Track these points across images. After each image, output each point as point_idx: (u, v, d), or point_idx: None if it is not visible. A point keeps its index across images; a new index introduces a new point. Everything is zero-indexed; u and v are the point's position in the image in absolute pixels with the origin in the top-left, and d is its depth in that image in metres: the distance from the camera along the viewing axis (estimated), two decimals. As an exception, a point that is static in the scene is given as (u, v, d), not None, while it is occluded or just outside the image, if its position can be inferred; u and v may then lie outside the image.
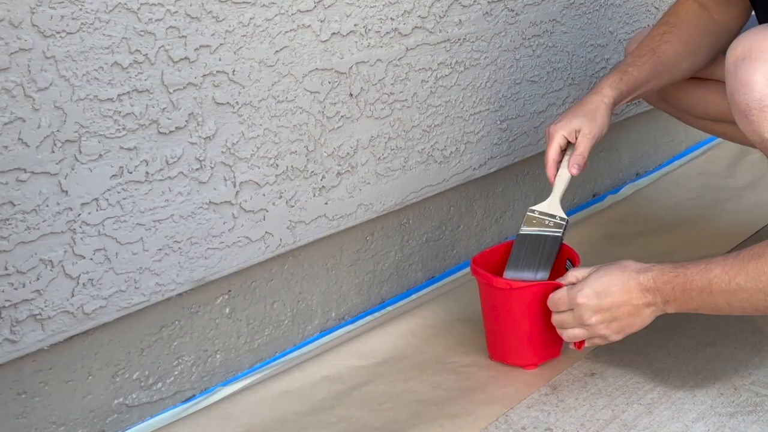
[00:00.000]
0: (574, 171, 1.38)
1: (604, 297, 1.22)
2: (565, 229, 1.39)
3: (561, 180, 1.39)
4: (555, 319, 1.28)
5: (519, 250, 1.38)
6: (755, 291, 1.12)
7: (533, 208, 1.41)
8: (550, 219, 1.39)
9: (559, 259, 1.41)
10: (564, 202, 1.42)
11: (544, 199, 1.41)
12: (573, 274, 1.28)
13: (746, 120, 1.14)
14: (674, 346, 1.41)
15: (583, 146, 1.37)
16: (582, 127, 1.37)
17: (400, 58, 1.50)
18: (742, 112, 1.14)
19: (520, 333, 1.34)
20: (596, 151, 2.07)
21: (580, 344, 1.29)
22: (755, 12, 1.41)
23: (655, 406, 1.26)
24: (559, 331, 1.29)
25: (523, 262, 1.37)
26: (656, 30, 1.48)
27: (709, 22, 1.46)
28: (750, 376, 1.32)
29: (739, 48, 1.15)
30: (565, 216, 1.39)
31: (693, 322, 1.44)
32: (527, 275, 1.36)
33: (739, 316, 1.40)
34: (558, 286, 1.28)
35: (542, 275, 1.35)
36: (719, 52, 1.48)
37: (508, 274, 1.37)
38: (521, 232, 1.39)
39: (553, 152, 1.38)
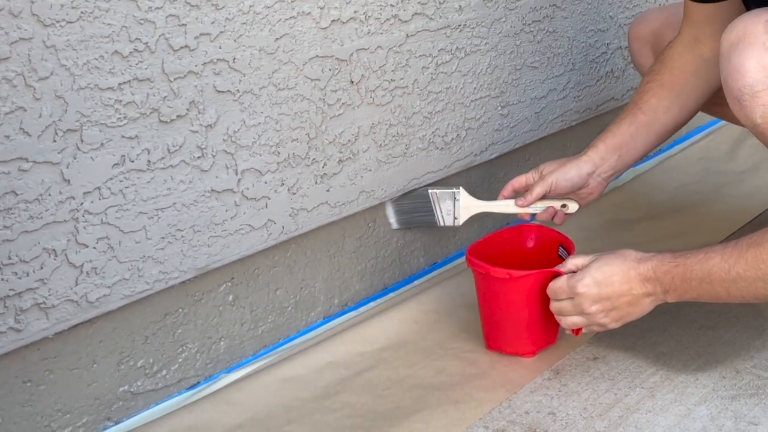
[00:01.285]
0: (518, 202, 1.45)
1: (604, 287, 1.22)
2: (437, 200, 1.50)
3: (503, 204, 1.46)
4: (554, 306, 1.28)
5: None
6: (754, 279, 1.12)
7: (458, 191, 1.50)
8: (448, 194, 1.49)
9: (552, 245, 1.41)
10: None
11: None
12: (573, 262, 1.28)
13: (739, 105, 1.14)
14: (676, 330, 1.41)
15: (536, 191, 1.43)
16: (545, 173, 1.43)
17: (401, 45, 1.50)
18: (735, 98, 1.14)
19: (519, 321, 1.34)
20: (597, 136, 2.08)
21: (577, 330, 1.29)
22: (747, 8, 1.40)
23: (658, 389, 1.27)
24: (557, 318, 1.29)
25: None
26: (641, 83, 1.47)
27: (697, 59, 1.42)
28: (752, 360, 1.32)
29: (733, 33, 1.15)
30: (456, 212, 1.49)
31: (695, 306, 1.44)
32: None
33: (740, 301, 1.40)
34: (557, 274, 1.29)
35: None
36: (712, 90, 1.45)
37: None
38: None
39: (517, 179, 1.46)
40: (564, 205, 1.45)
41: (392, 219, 1.56)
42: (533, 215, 1.47)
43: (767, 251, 1.11)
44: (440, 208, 1.50)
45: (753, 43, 1.12)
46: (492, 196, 1.80)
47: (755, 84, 1.11)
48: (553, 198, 1.45)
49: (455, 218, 1.50)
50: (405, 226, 1.56)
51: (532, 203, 1.44)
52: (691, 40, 1.43)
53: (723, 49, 1.16)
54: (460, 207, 1.48)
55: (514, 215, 1.49)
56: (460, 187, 1.49)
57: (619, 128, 1.45)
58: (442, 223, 1.51)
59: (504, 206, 1.47)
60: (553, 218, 1.46)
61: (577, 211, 1.46)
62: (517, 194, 1.47)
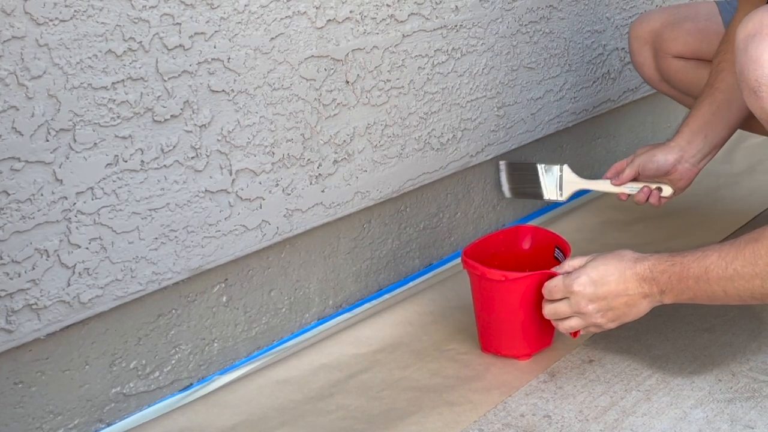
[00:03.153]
0: (613, 181, 1.51)
1: (600, 286, 1.22)
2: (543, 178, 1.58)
3: (601, 183, 1.52)
4: (549, 310, 1.27)
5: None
6: (752, 276, 1.12)
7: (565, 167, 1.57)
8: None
9: (548, 247, 1.41)
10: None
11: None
12: (569, 263, 1.28)
13: (755, 96, 1.13)
14: (672, 333, 1.41)
15: (626, 172, 1.48)
16: (637, 155, 1.49)
17: (397, 45, 1.50)
18: (752, 89, 1.13)
19: (514, 323, 1.34)
20: (593, 137, 2.08)
21: (575, 332, 1.29)
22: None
23: (654, 392, 1.26)
24: (554, 322, 1.29)
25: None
26: (713, 63, 1.48)
27: None
28: (748, 362, 1.32)
29: (750, 24, 1.14)
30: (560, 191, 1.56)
31: (691, 309, 1.43)
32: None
33: (737, 303, 1.40)
34: (553, 276, 1.28)
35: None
36: None
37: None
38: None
39: (620, 162, 1.52)
40: (659, 188, 1.48)
41: (504, 187, 1.63)
42: (629, 195, 1.51)
43: (765, 247, 1.10)
44: (546, 182, 1.56)
45: None
46: (487, 196, 1.80)
47: None
48: (648, 181, 1.48)
49: (559, 193, 1.57)
50: (515, 194, 1.63)
51: (624, 182, 1.49)
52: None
53: (739, 40, 1.15)
54: (564, 182, 1.55)
55: (616, 194, 1.53)
56: (565, 164, 1.56)
57: (700, 110, 1.46)
58: (547, 196, 1.58)
59: (602, 185, 1.52)
60: (648, 199, 1.49)
61: (672, 196, 1.49)
62: (618, 174, 1.51)
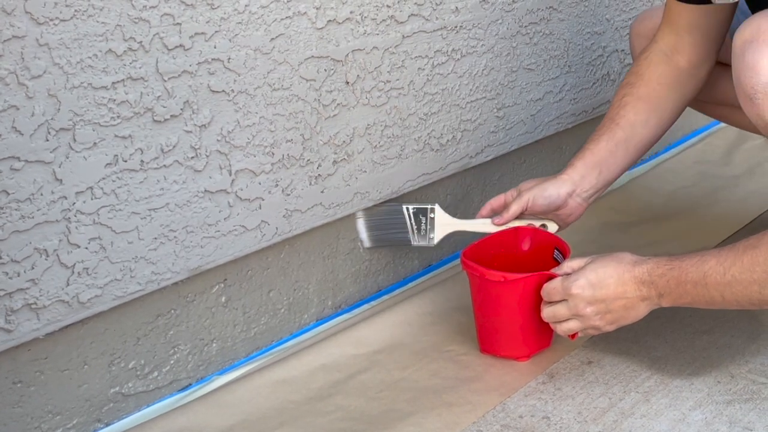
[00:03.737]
0: (495, 221, 1.43)
1: (599, 289, 1.22)
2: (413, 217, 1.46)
3: (480, 223, 1.43)
4: (547, 312, 1.27)
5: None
6: (750, 282, 1.12)
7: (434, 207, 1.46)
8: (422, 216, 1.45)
9: (547, 248, 1.41)
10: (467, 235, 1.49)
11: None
12: (568, 265, 1.28)
13: (751, 103, 1.13)
14: (671, 334, 1.41)
15: (512, 209, 1.41)
16: (523, 190, 1.41)
17: (397, 46, 1.50)
18: (748, 96, 1.13)
19: (513, 325, 1.34)
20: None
21: (573, 334, 1.29)
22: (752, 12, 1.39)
23: (652, 394, 1.26)
24: (552, 325, 1.29)
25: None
26: (616, 96, 1.45)
27: (673, 71, 1.41)
28: (747, 364, 1.32)
29: (747, 30, 1.14)
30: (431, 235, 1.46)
31: (690, 311, 1.43)
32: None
33: (735, 305, 1.40)
34: (552, 277, 1.28)
35: None
36: (687, 102, 1.45)
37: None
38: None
39: (496, 199, 1.44)
40: (543, 225, 1.42)
41: (363, 236, 1.50)
42: None
43: (763, 254, 1.10)
44: (415, 226, 1.45)
45: (767, 40, 1.11)
46: (487, 198, 1.80)
47: None
48: (532, 218, 1.42)
49: (430, 237, 1.46)
50: (377, 244, 1.51)
51: (508, 221, 1.41)
52: (668, 49, 1.41)
53: (736, 46, 1.15)
54: (435, 225, 1.44)
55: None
56: (436, 204, 1.45)
57: (597, 145, 1.42)
58: (416, 243, 1.47)
59: (481, 225, 1.44)
60: None
61: (557, 231, 1.43)
62: (494, 213, 1.44)
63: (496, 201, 1.45)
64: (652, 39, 1.45)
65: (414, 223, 1.44)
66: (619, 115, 1.42)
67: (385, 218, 1.48)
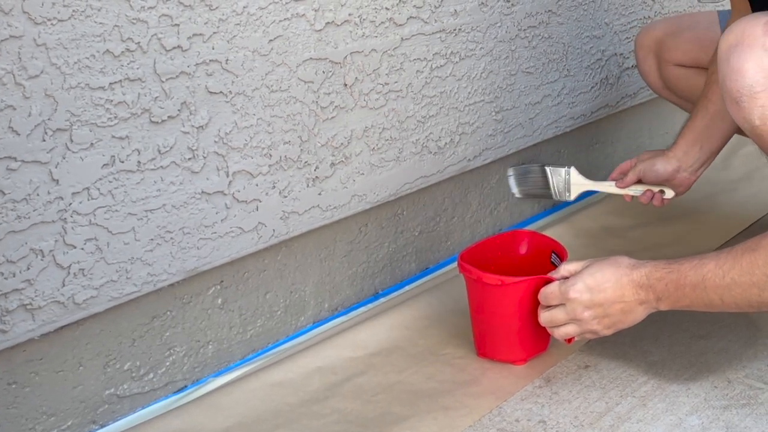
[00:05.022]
0: (618, 184, 1.55)
1: (596, 293, 1.21)
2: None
3: (606, 185, 1.57)
4: (544, 317, 1.27)
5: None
6: (749, 285, 1.11)
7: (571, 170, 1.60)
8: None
9: (545, 251, 1.41)
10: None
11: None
12: (566, 268, 1.27)
13: (737, 107, 1.14)
14: (668, 339, 1.41)
15: (629, 176, 1.53)
16: (640, 160, 1.53)
17: (395, 48, 1.49)
18: (733, 99, 1.14)
19: (510, 328, 1.33)
20: (591, 143, 2.08)
21: (570, 338, 1.29)
22: (752, 8, 1.40)
23: (649, 398, 1.26)
24: (549, 329, 1.28)
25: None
26: (708, 72, 1.51)
27: None
28: (744, 369, 1.31)
29: (731, 34, 1.14)
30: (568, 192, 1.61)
31: (687, 315, 1.43)
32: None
33: (733, 310, 1.40)
34: (549, 281, 1.28)
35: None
36: None
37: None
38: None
39: (625, 163, 1.57)
40: (662, 191, 1.53)
41: (514, 189, 1.65)
42: (634, 196, 1.56)
43: (762, 257, 1.10)
44: (555, 183, 1.61)
45: (752, 44, 1.11)
46: (484, 201, 1.80)
47: (754, 85, 1.11)
48: (652, 184, 1.53)
49: (567, 194, 1.61)
50: (525, 196, 1.67)
51: (628, 185, 1.54)
52: None
53: (721, 50, 1.15)
54: (570, 183, 1.59)
55: (620, 195, 1.59)
56: (572, 167, 1.60)
57: (694, 122, 1.51)
58: (556, 197, 1.62)
59: (608, 186, 1.57)
60: (652, 200, 1.54)
61: (674, 197, 1.54)
62: (621, 175, 1.56)
63: (624, 165, 1.57)
64: (730, 21, 1.49)
65: (555, 182, 1.60)
66: (710, 90, 1.49)
67: (531, 176, 1.64)
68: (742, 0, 1.43)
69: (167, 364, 1.31)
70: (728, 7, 1.68)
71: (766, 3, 1.27)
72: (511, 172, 1.66)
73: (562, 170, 1.60)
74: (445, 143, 1.64)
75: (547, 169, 1.61)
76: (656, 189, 1.53)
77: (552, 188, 1.61)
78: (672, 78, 1.69)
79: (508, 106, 1.75)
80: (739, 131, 1.58)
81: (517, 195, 1.67)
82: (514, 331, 1.34)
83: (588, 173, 1.62)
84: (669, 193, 1.54)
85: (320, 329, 1.50)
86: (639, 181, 1.54)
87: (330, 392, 1.31)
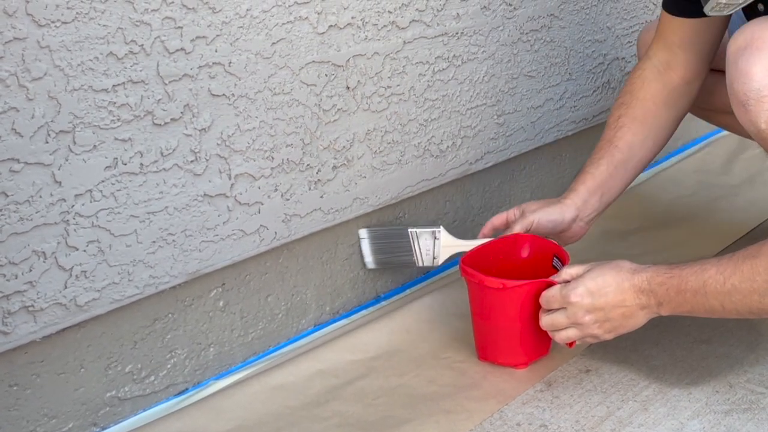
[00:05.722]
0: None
1: (598, 297, 1.21)
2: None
3: (482, 244, 1.41)
4: (546, 321, 1.27)
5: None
6: (750, 291, 1.11)
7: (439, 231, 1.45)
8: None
9: (546, 255, 1.40)
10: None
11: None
12: (567, 272, 1.27)
13: (744, 110, 1.14)
14: (670, 343, 1.41)
15: (516, 229, 1.40)
16: (528, 211, 1.41)
17: (398, 52, 1.50)
18: (740, 102, 1.14)
19: (512, 332, 1.33)
20: (592, 147, 2.08)
21: (571, 342, 1.29)
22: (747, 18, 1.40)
23: (651, 403, 1.26)
24: (550, 333, 1.28)
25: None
26: (612, 117, 1.46)
27: (667, 88, 1.42)
28: (745, 374, 1.31)
29: (740, 38, 1.14)
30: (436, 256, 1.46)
31: (689, 319, 1.43)
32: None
33: (735, 314, 1.40)
34: (551, 284, 1.28)
35: None
36: (682, 117, 1.47)
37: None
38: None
39: (497, 217, 1.44)
40: None
41: (368, 258, 1.51)
42: None
43: (763, 263, 1.10)
44: (420, 248, 1.46)
45: (761, 48, 1.11)
46: (486, 204, 1.80)
47: (762, 88, 1.11)
48: (542, 235, 1.41)
49: (434, 258, 1.47)
50: (381, 266, 1.52)
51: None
52: (661, 66, 1.42)
53: (730, 53, 1.15)
54: (440, 246, 1.45)
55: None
56: (441, 226, 1.47)
57: (598, 169, 1.43)
58: (420, 264, 1.48)
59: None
60: None
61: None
62: (496, 233, 1.44)
63: (497, 219, 1.44)
64: (645, 54, 1.45)
65: (419, 247, 1.45)
66: (616, 137, 1.43)
67: (391, 241, 1.48)
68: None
69: (168, 366, 1.31)
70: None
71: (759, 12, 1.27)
72: (364, 233, 1.47)
73: (429, 231, 1.44)
74: (447, 146, 1.64)
75: (411, 231, 1.44)
76: None
77: (416, 254, 1.45)
78: None
79: (510, 110, 1.75)
80: (723, 121, 1.56)
81: (371, 265, 1.48)
82: (515, 334, 1.34)
83: (455, 236, 1.49)
84: None
85: (321, 332, 1.50)
86: None
87: (331, 395, 1.31)
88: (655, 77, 1.43)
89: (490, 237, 1.43)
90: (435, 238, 1.43)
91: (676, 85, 1.42)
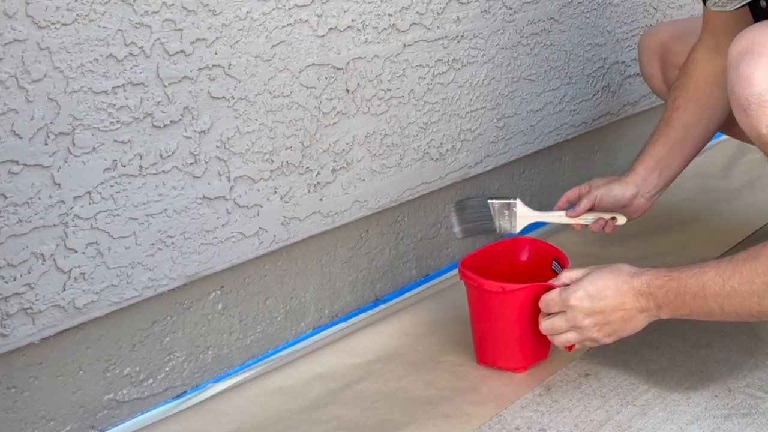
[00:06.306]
0: (569, 213, 1.49)
1: (597, 300, 1.21)
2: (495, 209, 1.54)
3: (555, 215, 1.51)
4: (545, 324, 1.26)
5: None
6: (749, 294, 1.11)
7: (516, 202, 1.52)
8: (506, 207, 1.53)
9: (546, 259, 1.40)
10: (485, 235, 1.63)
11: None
12: (566, 275, 1.27)
13: (745, 114, 1.14)
14: (669, 348, 1.40)
15: (583, 204, 1.48)
16: (593, 187, 1.49)
17: (398, 55, 1.49)
18: (741, 106, 1.14)
19: (511, 336, 1.33)
20: (592, 150, 2.08)
21: (570, 346, 1.28)
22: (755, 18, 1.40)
23: (650, 407, 1.26)
24: (550, 336, 1.28)
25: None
26: (669, 98, 1.51)
27: (719, 69, 1.42)
28: (745, 379, 1.31)
29: (742, 42, 1.14)
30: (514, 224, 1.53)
31: (688, 324, 1.43)
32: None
33: (734, 319, 1.40)
34: (550, 288, 1.27)
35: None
36: None
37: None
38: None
39: (572, 191, 1.52)
40: (613, 218, 1.50)
41: (456, 228, 1.59)
42: (585, 225, 1.51)
43: (763, 265, 1.10)
44: (498, 218, 1.55)
45: (762, 52, 1.11)
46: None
47: (763, 93, 1.11)
48: (603, 211, 1.49)
49: (512, 226, 1.56)
50: (467, 234, 1.61)
51: (580, 214, 1.49)
52: (712, 48, 1.45)
53: (731, 57, 1.15)
54: (516, 216, 1.54)
55: (568, 225, 1.54)
56: (517, 198, 1.55)
57: (655, 149, 1.48)
58: (499, 231, 1.57)
59: (557, 216, 1.52)
60: (603, 229, 1.51)
61: (626, 222, 1.51)
62: (570, 205, 1.51)
63: (571, 193, 1.52)
64: (698, 39, 1.48)
65: (498, 216, 1.54)
66: (672, 117, 1.48)
67: (473, 212, 1.58)
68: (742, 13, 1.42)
69: (167, 369, 1.31)
70: None
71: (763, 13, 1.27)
72: (451, 209, 1.59)
73: (506, 202, 1.53)
74: (447, 150, 1.64)
75: (490, 202, 1.54)
76: (608, 216, 1.49)
77: (495, 222, 1.54)
78: None
79: (510, 113, 1.75)
80: (729, 129, 1.57)
81: (459, 234, 1.57)
82: (514, 338, 1.33)
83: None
84: (621, 220, 1.50)
85: (320, 335, 1.50)
86: (590, 209, 1.48)
87: (330, 399, 1.30)
88: (706, 60, 1.45)
89: (564, 209, 1.51)
90: (512, 208, 1.53)
91: (726, 68, 1.44)
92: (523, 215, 1.53)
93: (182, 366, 1.33)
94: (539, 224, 1.60)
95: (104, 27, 1.11)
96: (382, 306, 1.60)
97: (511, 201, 1.53)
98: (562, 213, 1.50)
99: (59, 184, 1.10)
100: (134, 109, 1.16)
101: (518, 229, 1.54)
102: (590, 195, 1.47)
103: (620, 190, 1.46)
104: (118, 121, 1.14)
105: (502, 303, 1.31)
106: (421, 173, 1.60)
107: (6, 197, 1.06)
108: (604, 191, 1.47)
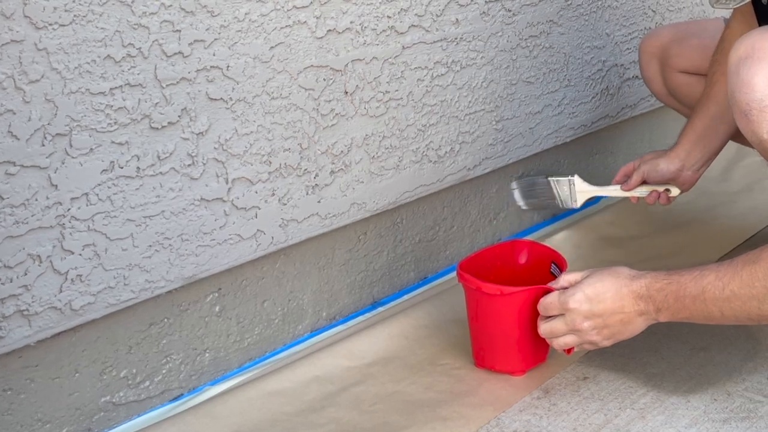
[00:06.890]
0: (623, 186, 1.57)
1: (596, 303, 1.21)
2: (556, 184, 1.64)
3: (612, 189, 1.59)
4: (544, 327, 1.26)
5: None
6: (749, 298, 1.11)
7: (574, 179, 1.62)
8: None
9: (544, 261, 1.40)
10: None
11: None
12: (565, 279, 1.27)
13: (746, 120, 1.14)
14: (668, 351, 1.40)
15: (633, 178, 1.55)
16: (643, 162, 1.56)
17: (396, 57, 1.49)
18: (742, 112, 1.13)
19: (509, 339, 1.33)
20: (591, 153, 2.08)
21: (569, 349, 1.28)
22: (759, 23, 1.40)
23: (648, 411, 1.25)
24: (548, 339, 1.28)
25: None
26: (708, 73, 1.54)
27: None
28: (743, 382, 1.31)
29: (742, 47, 1.14)
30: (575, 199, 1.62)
31: (687, 327, 1.43)
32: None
33: (733, 322, 1.40)
34: (549, 291, 1.27)
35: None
36: None
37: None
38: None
39: (628, 165, 1.59)
40: (667, 190, 1.55)
41: (521, 202, 1.68)
42: (640, 198, 1.58)
43: (762, 269, 1.10)
44: (560, 193, 1.63)
45: (762, 58, 1.11)
46: (484, 210, 1.80)
47: (764, 98, 1.11)
48: (657, 184, 1.55)
49: (573, 201, 1.63)
50: (532, 207, 1.70)
51: (633, 187, 1.56)
52: (745, 25, 1.46)
53: (731, 63, 1.15)
54: (575, 191, 1.61)
55: (626, 199, 1.62)
56: (576, 175, 1.62)
57: (696, 123, 1.53)
58: (561, 206, 1.65)
59: (613, 190, 1.59)
60: (658, 200, 1.56)
61: (680, 194, 1.57)
62: (626, 178, 1.58)
63: (627, 167, 1.59)
64: (731, 15, 1.51)
65: (559, 192, 1.63)
66: (713, 91, 1.51)
67: (537, 188, 1.67)
68: (749, 14, 1.43)
69: (164, 371, 1.31)
70: None
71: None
72: (515, 185, 1.69)
73: (566, 179, 1.62)
74: (445, 152, 1.63)
75: (551, 180, 1.64)
76: (661, 188, 1.56)
77: (558, 198, 1.63)
78: (676, 85, 1.70)
79: (509, 116, 1.75)
80: (738, 136, 1.59)
81: (524, 207, 1.69)
82: (512, 341, 1.33)
83: (589, 182, 1.62)
84: (675, 191, 1.56)
85: (318, 338, 1.50)
86: (644, 183, 1.56)
87: (327, 402, 1.30)
88: (741, 34, 1.46)
89: (621, 182, 1.58)
90: (571, 184, 1.61)
91: None
92: (582, 190, 1.61)
93: (179, 368, 1.32)
94: (598, 198, 1.69)
95: (102, 28, 1.10)
96: (380, 308, 1.59)
97: (570, 178, 1.62)
98: (617, 187, 1.58)
99: (56, 186, 1.10)
100: (132, 110, 1.15)
101: (579, 203, 1.63)
102: (639, 170, 1.54)
103: (666, 164, 1.53)
104: (115, 123, 1.14)
105: (500, 306, 1.31)
106: (420, 175, 1.60)
107: (3, 198, 1.06)
108: (651, 166, 1.53)
